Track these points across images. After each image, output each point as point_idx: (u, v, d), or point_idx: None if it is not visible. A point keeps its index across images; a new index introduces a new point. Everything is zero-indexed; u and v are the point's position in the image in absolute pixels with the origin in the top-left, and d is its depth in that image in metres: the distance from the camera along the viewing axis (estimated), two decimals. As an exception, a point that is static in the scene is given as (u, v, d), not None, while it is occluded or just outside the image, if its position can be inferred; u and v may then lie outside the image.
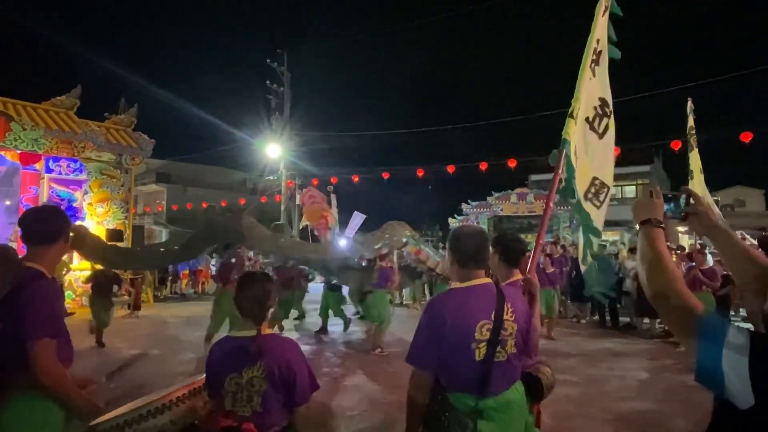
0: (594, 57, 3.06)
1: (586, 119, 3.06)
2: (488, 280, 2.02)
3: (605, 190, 3.07)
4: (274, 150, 21.74)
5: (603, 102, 3.19)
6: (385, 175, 19.50)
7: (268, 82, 21.86)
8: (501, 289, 1.98)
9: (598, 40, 3.09)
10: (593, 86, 3.11)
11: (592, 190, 3.00)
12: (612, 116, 3.24)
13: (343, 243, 11.48)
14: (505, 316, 1.89)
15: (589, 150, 3.03)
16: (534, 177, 28.84)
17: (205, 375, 2.06)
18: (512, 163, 17.11)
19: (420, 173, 18.71)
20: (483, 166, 17.43)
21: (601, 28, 3.09)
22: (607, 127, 3.19)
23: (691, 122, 8.23)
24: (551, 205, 2.77)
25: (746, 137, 12.15)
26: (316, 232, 10.78)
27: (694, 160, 8.00)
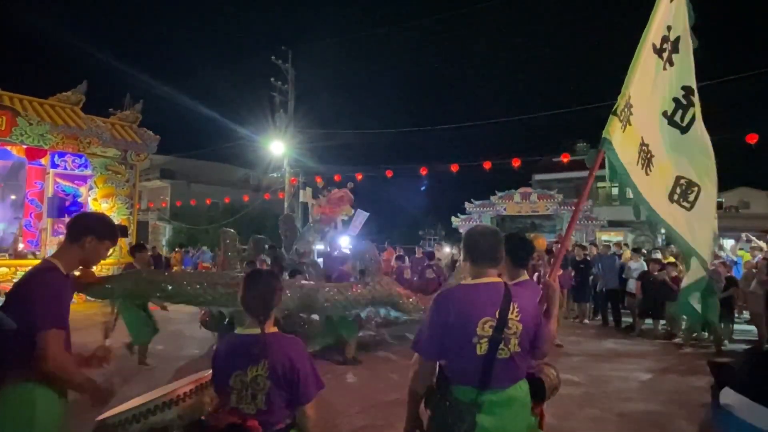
0: (666, 46, 2.83)
1: (664, 114, 2.87)
2: (499, 279, 2.03)
3: (695, 189, 2.84)
4: (277, 147, 21.76)
5: (688, 90, 2.95)
6: (389, 173, 19.51)
7: (272, 79, 21.85)
8: (509, 289, 1.98)
9: (669, 27, 2.85)
10: (668, 77, 2.88)
11: (678, 190, 2.80)
12: (698, 105, 2.98)
13: (345, 240, 11.45)
14: (509, 315, 1.90)
15: (670, 147, 2.82)
16: (538, 176, 28.79)
17: (211, 371, 2.08)
18: (516, 163, 17.10)
19: (424, 171, 18.70)
20: (487, 165, 17.41)
21: (667, 14, 2.84)
22: (693, 118, 2.96)
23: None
24: (581, 207, 2.62)
25: (752, 139, 12.09)
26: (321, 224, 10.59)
27: None
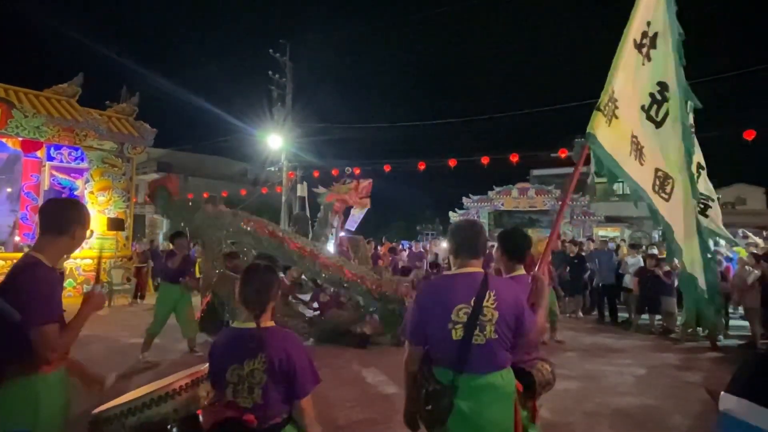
0: (645, 41, 2.91)
1: (642, 108, 2.93)
2: (479, 269, 2.10)
3: (670, 181, 2.94)
4: (275, 141, 21.68)
5: (663, 86, 3.03)
6: (387, 168, 19.48)
7: (270, 72, 21.76)
8: (487, 278, 2.04)
9: (648, 23, 2.92)
10: (646, 72, 2.95)
11: (657, 182, 2.92)
12: (672, 101, 3.05)
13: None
14: (485, 303, 1.98)
15: (647, 140, 2.91)
16: (536, 172, 28.81)
17: (207, 365, 2.07)
18: (514, 158, 17.09)
19: (421, 166, 18.70)
20: (485, 160, 17.41)
21: (648, 10, 2.91)
22: (666, 114, 3.04)
23: (690, 120, 8.18)
24: (568, 201, 2.70)
25: (749, 135, 12.12)
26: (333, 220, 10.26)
27: (695, 158, 7.99)
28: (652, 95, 2.99)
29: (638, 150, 2.79)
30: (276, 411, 1.90)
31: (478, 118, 26.36)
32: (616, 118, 2.68)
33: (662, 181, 2.93)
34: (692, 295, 2.98)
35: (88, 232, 2.20)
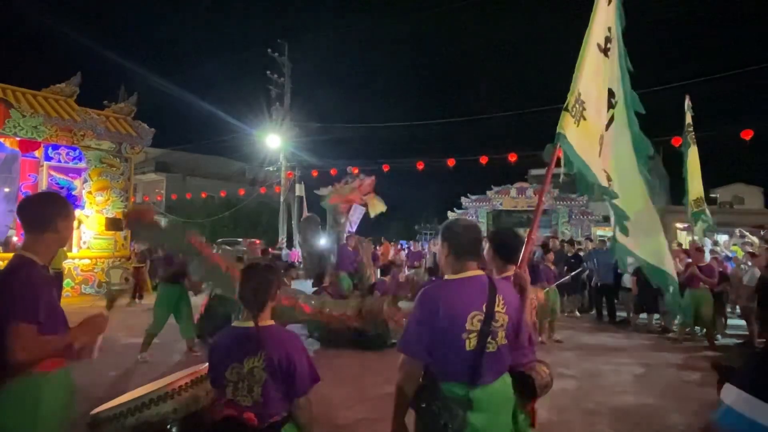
0: (608, 45, 3.01)
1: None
2: (481, 272, 2.04)
3: (611, 183, 3.05)
4: (273, 141, 21.70)
5: (610, 92, 3.15)
6: (385, 168, 19.50)
7: (268, 72, 21.78)
8: (493, 282, 2.00)
9: (609, 28, 3.02)
10: (604, 76, 3.06)
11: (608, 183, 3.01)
12: (618, 108, 3.18)
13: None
14: (496, 308, 1.92)
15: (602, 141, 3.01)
16: (534, 172, 28.82)
17: (207, 364, 2.08)
18: (512, 158, 17.13)
19: (420, 166, 18.73)
20: (483, 159, 17.46)
21: (605, 17, 3.00)
22: (612, 119, 3.15)
23: (688, 119, 8.20)
24: (543, 200, 2.73)
25: (747, 135, 12.17)
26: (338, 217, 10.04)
27: (692, 157, 8.01)
28: (607, 99, 3.09)
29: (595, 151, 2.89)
30: (276, 409, 1.91)
31: (477, 117, 26.48)
32: (584, 119, 2.73)
33: (609, 183, 3.02)
34: (667, 285, 3.12)
35: (75, 222, 2.15)
